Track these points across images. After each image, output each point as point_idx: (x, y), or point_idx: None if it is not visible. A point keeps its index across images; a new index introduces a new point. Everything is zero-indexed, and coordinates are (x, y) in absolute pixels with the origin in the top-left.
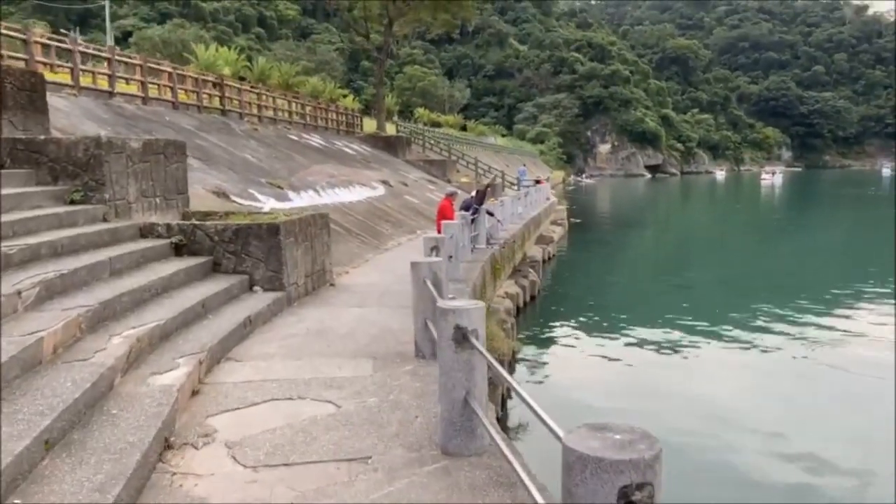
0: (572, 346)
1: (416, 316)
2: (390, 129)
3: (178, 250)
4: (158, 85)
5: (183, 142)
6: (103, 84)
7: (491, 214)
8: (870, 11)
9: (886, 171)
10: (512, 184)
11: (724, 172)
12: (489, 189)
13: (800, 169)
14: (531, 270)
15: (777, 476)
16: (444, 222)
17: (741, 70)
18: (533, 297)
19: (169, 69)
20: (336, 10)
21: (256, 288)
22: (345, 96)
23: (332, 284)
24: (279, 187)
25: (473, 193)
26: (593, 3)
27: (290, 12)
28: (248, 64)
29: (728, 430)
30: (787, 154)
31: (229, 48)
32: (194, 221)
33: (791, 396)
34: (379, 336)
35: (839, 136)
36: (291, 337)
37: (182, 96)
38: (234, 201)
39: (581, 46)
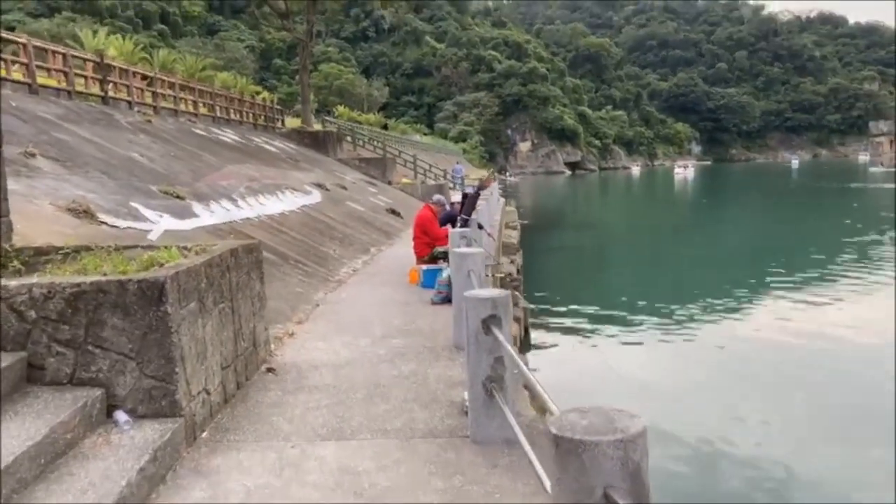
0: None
1: None
2: (316, 126)
3: None
4: (5, 60)
5: None
6: None
7: (481, 227)
8: (765, 11)
9: (795, 163)
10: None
11: (639, 167)
12: (480, 193)
13: (709, 162)
14: (517, 294)
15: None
16: (451, 250)
17: (650, 67)
18: (527, 329)
19: (23, 41)
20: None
21: (120, 416)
22: (258, 93)
23: (270, 369)
24: (179, 197)
25: (458, 199)
26: (505, 2)
27: (195, 8)
28: (148, 56)
29: None
30: (696, 148)
31: (124, 40)
32: None
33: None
34: None
35: (743, 130)
36: None
37: (44, 79)
38: (103, 223)
39: (498, 44)
